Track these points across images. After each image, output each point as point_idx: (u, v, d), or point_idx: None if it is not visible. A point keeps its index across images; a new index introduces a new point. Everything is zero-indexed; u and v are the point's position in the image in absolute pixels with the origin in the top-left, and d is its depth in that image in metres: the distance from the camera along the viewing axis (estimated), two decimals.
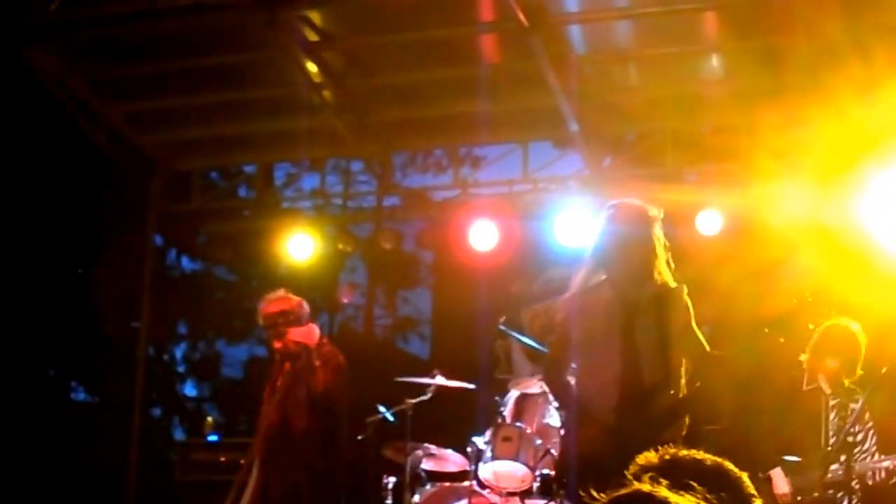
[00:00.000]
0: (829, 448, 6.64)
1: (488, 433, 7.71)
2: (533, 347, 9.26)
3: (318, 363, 6.90)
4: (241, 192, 12.96)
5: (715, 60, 9.19)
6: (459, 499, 7.64)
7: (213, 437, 9.96)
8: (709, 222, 9.26)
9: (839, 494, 6.71)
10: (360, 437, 8.08)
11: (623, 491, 2.31)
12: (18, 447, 12.06)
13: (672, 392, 5.30)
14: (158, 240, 11.96)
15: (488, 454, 7.58)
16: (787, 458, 6.82)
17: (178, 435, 15.95)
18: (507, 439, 7.59)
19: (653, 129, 10.01)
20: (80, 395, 16.05)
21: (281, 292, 7.37)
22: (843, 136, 8.97)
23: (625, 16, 8.87)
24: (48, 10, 8.73)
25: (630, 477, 2.44)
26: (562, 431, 7.79)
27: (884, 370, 6.49)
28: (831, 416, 6.81)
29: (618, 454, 3.03)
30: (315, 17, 8.94)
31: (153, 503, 10.35)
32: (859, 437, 6.88)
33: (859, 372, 6.87)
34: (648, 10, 8.62)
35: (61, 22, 8.88)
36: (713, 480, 2.45)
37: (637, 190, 7.25)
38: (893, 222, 8.52)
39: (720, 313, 5.41)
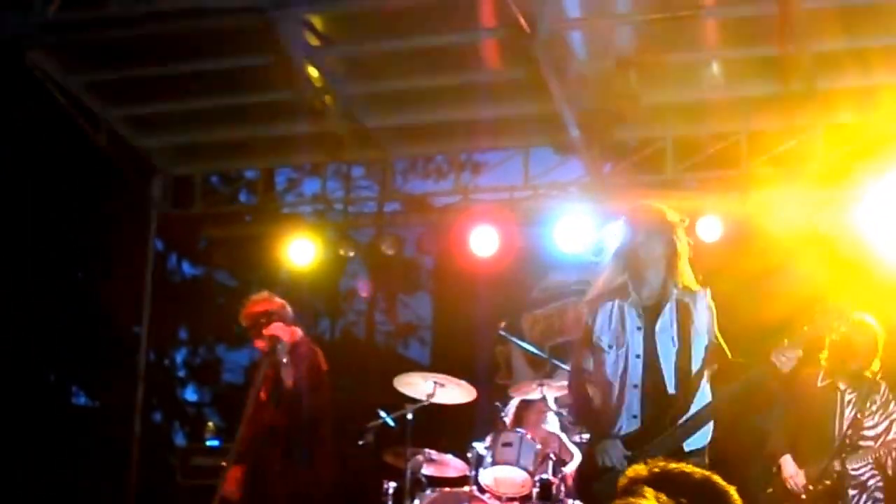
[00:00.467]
0: (846, 441, 6.70)
1: (488, 438, 7.73)
2: (533, 353, 9.29)
3: (285, 359, 6.91)
4: (242, 196, 12.99)
5: (715, 68, 9.20)
6: None
7: (213, 442, 9.94)
8: (709, 229, 9.27)
9: (852, 486, 6.77)
10: (360, 443, 8.08)
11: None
12: (19, 451, 12.06)
13: (691, 398, 5.25)
14: (159, 244, 11.97)
15: (488, 459, 7.60)
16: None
17: (179, 440, 15.94)
18: (507, 444, 7.60)
19: (653, 136, 10.03)
20: (81, 400, 16.05)
21: (265, 294, 7.46)
22: (842, 143, 9.01)
23: (626, 22, 8.90)
24: (48, 12, 8.74)
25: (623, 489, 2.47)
26: (565, 437, 7.87)
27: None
28: (847, 410, 6.88)
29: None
30: (317, 21, 8.95)
31: None
32: (880, 428, 6.93)
33: (877, 364, 6.94)
34: (649, 17, 8.64)
35: (62, 24, 8.88)
36: (700, 494, 2.48)
37: (637, 196, 7.26)
38: (891, 230, 8.54)
39: (720, 320, 5.40)
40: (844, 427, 6.87)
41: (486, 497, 7.60)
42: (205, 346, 17.28)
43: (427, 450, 7.92)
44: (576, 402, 5.97)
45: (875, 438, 6.94)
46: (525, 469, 7.51)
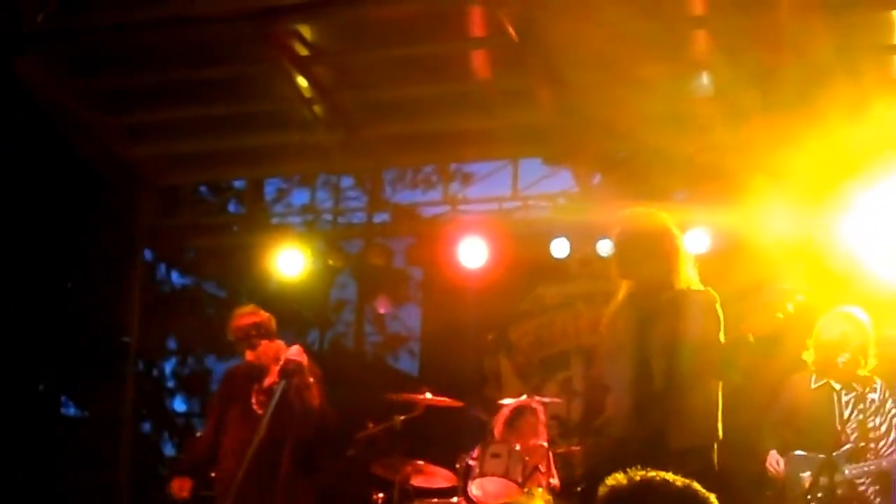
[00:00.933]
0: (850, 444, 6.61)
1: (477, 449, 7.72)
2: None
3: (312, 379, 6.90)
4: (231, 207, 12.95)
5: (705, 78, 9.20)
6: None
7: None
8: (697, 241, 9.26)
9: (867, 486, 6.66)
10: (349, 454, 8.07)
11: None
12: (8, 461, 12.01)
13: (685, 400, 5.19)
14: (148, 254, 11.94)
15: (477, 470, 7.59)
16: (799, 452, 6.80)
17: (168, 450, 15.91)
18: (495, 456, 7.60)
19: (642, 147, 10.02)
20: (70, 410, 15.99)
21: (251, 307, 7.49)
22: (832, 154, 9.00)
23: (615, 33, 8.89)
24: (37, 21, 8.72)
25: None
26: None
27: None
28: (846, 411, 6.74)
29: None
30: (306, 31, 8.95)
31: None
32: (882, 429, 6.81)
33: (873, 360, 6.82)
34: (639, 27, 8.63)
35: (50, 32, 8.87)
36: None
37: (626, 208, 7.24)
38: (880, 241, 8.54)
39: None
40: (848, 430, 6.71)
41: None
42: (193, 357, 17.24)
43: (416, 461, 7.91)
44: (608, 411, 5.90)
45: (876, 440, 6.82)
46: (513, 480, 7.50)
